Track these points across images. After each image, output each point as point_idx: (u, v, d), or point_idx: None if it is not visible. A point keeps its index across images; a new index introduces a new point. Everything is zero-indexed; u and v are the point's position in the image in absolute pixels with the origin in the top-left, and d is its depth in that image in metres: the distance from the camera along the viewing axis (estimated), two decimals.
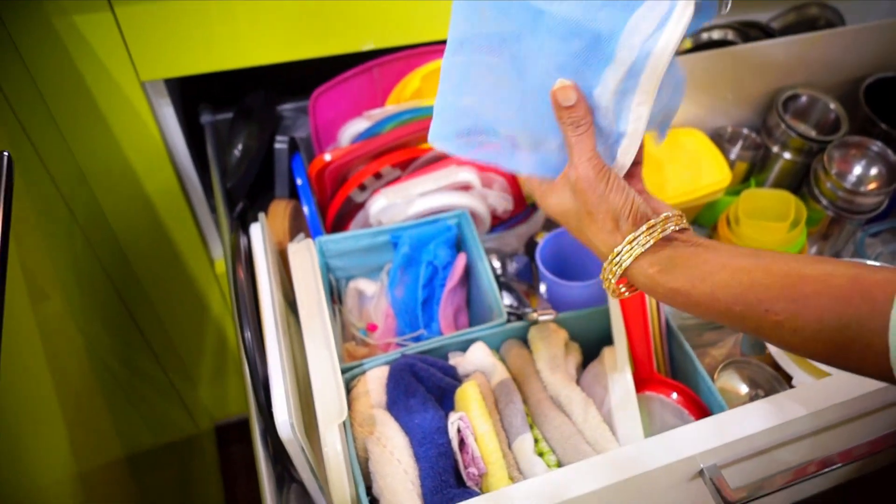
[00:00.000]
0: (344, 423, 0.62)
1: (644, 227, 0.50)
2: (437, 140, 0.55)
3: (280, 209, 0.88)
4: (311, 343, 0.64)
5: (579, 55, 0.49)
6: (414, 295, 0.80)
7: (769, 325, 0.44)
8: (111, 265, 0.94)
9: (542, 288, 0.83)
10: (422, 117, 0.86)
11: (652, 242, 0.50)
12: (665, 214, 0.51)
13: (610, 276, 0.52)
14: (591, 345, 0.78)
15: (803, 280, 0.43)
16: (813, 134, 1.00)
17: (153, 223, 0.97)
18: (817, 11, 1.15)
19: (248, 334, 0.63)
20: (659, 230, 0.50)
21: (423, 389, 0.68)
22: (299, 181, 0.87)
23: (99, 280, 0.91)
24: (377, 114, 0.89)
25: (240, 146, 0.85)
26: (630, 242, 0.50)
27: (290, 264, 0.71)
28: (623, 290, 0.54)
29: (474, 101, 0.53)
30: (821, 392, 0.58)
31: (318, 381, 0.60)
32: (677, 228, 0.51)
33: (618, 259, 0.51)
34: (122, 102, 0.81)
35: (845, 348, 0.41)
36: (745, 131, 1.03)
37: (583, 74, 0.49)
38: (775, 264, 0.45)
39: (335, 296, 0.84)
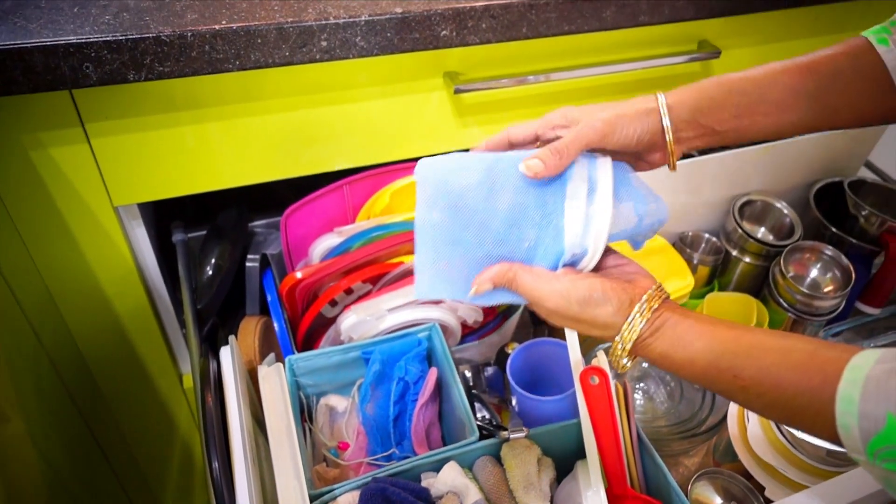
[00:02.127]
0: None
1: (636, 310, 0.54)
2: (423, 295, 0.58)
3: (250, 327, 0.88)
4: (281, 473, 0.63)
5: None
6: (385, 412, 0.80)
7: (737, 389, 0.50)
8: (76, 386, 0.92)
9: (514, 401, 0.83)
10: (392, 233, 0.88)
11: (644, 323, 0.54)
12: (648, 292, 0.55)
13: (620, 356, 0.56)
14: (565, 458, 0.78)
15: (767, 352, 0.49)
16: (770, 238, 1.04)
17: (121, 342, 0.96)
18: None
19: (216, 465, 0.62)
20: (647, 309, 0.54)
21: None
22: (270, 298, 0.87)
23: (62, 402, 0.89)
24: (348, 230, 0.91)
25: (211, 265, 0.86)
26: (628, 325, 0.54)
27: (261, 390, 0.70)
28: (625, 361, 0.57)
29: (448, 254, 0.56)
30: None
31: None
32: (661, 300, 0.55)
33: (621, 345, 0.55)
34: (93, 226, 0.82)
35: (800, 413, 0.47)
36: (706, 236, 1.07)
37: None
38: (745, 336, 0.51)
39: (305, 414, 0.83)
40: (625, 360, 0.56)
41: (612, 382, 0.73)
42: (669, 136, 0.58)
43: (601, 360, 0.75)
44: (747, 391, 0.50)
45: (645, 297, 0.54)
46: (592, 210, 0.54)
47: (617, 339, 0.55)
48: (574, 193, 0.54)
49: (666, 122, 0.57)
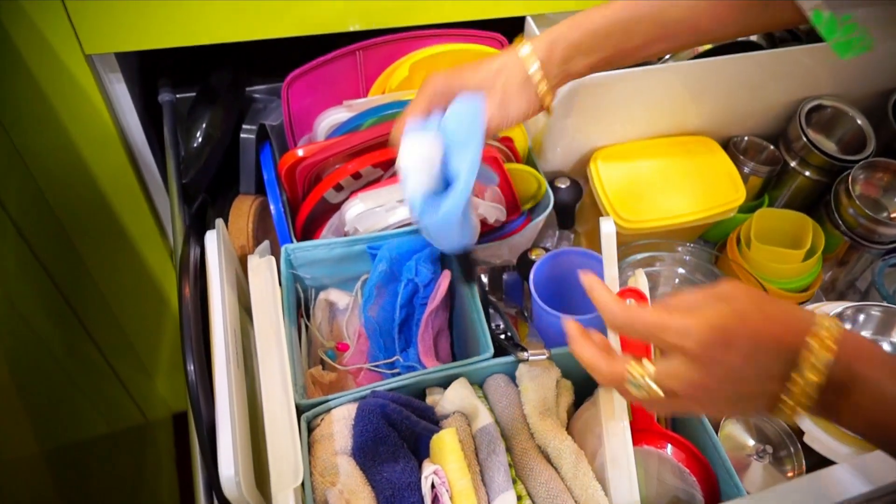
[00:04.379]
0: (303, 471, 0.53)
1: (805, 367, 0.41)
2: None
3: (244, 207, 0.78)
4: (267, 382, 0.55)
5: None
6: (391, 315, 0.71)
7: None
8: (51, 256, 0.83)
9: (534, 314, 0.75)
10: None
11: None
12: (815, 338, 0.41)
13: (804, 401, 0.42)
14: (585, 381, 0.70)
15: None
16: (835, 150, 0.91)
17: (104, 213, 0.87)
18: None
19: (191, 367, 0.54)
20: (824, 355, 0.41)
21: (395, 435, 0.60)
22: (267, 176, 0.77)
23: (34, 274, 0.80)
24: (359, 104, 0.79)
25: (200, 133, 0.75)
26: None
27: (250, 283, 0.62)
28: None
29: None
30: None
31: (273, 434, 0.52)
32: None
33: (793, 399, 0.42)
34: (63, 77, 0.70)
35: None
36: (763, 143, 0.94)
37: None
38: None
39: (302, 309, 0.75)
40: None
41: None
42: (542, 88, 0.61)
43: (640, 280, 0.66)
44: None
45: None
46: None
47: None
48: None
49: (542, 87, 0.61)
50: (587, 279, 0.48)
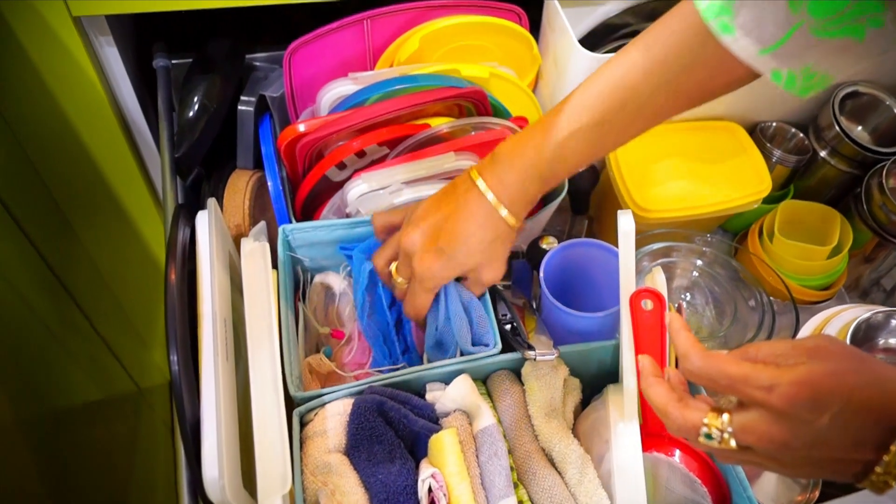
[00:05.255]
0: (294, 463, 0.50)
1: None
2: None
3: (241, 183, 0.74)
4: (257, 381, 0.52)
5: None
6: (384, 318, 0.68)
7: None
8: (38, 226, 0.80)
9: (542, 308, 0.71)
10: (418, 88, 0.72)
11: None
12: None
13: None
14: (593, 380, 0.67)
15: None
16: (869, 140, 0.86)
17: (96, 183, 0.83)
18: None
19: (174, 357, 0.51)
20: None
21: (392, 434, 0.57)
22: (265, 151, 0.73)
23: (18, 240, 0.77)
24: (365, 77, 0.74)
25: (196, 103, 0.70)
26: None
27: (242, 269, 0.58)
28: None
29: None
30: None
31: (261, 436, 0.48)
32: None
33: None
34: (50, 41, 0.66)
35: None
36: (792, 130, 0.89)
37: None
38: None
39: (300, 293, 0.72)
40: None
41: (668, 308, 0.60)
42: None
43: (657, 279, 0.62)
44: None
45: None
46: None
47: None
48: None
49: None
50: (675, 321, 0.48)
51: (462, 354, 0.62)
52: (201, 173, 0.72)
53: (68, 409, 0.88)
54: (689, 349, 0.45)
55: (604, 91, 0.54)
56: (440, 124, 0.73)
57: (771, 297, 0.76)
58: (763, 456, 0.41)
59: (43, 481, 0.74)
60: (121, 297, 1.05)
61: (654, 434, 0.61)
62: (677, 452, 0.60)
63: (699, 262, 0.82)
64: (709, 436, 0.42)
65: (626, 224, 0.59)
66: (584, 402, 0.67)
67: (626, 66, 0.53)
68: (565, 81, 0.79)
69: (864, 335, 0.65)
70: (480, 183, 0.58)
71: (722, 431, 0.41)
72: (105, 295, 1.02)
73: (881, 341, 0.67)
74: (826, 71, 0.47)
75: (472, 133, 0.75)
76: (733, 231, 0.91)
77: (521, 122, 0.77)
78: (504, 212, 0.59)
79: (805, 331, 0.70)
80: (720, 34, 0.47)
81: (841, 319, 0.68)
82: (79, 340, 0.96)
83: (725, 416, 0.42)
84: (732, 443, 0.41)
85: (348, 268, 0.72)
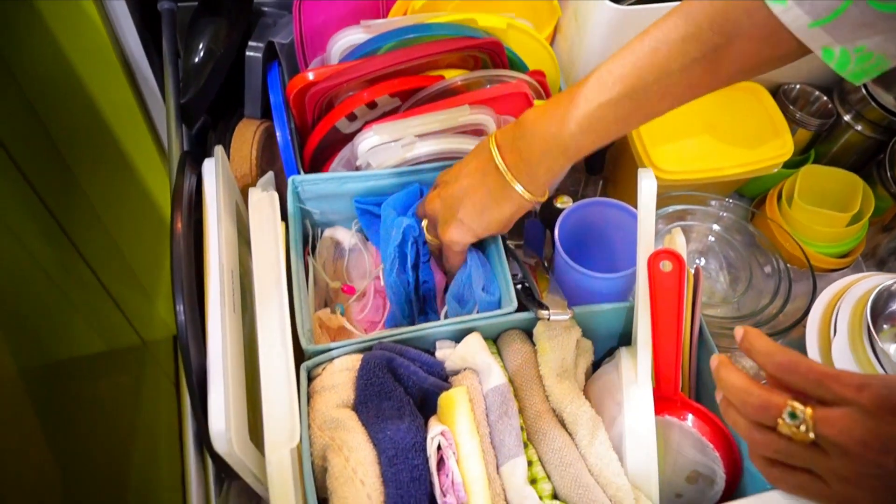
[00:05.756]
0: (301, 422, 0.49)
1: None
2: None
3: (248, 132, 0.72)
4: (265, 332, 0.50)
5: None
6: (405, 279, 0.66)
7: None
8: (39, 173, 0.78)
9: (555, 268, 0.69)
10: (433, 37, 0.69)
11: None
12: None
13: None
14: (605, 342, 0.66)
15: None
16: (895, 106, 0.83)
17: (98, 126, 0.80)
18: None
19: (180, 308, 0.49)
20: None
21: (401, 391, 0.56)
22: (273, 100, 0.70)
23: (20, 187, 0.75)
24: (378, 25, 0.72)
25: (202, 48, 0.68)
26: None
27: (250, 219, 0.56)
28: None
29: None
30: None
31: (269, 389, 0.47)
32: None
33: None
34: None
35: None
36: (816, 93, 0.86)
37: None
38: None
39: (309, 248, 0.70)
40: None
41: (687, 270, 0.59)
42: None
43: (676, 240, 0.60)
44: None
45: None
46: None
47: None
48: None
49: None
50: (749, 333, 0.46)
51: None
52: (207, 122, 0.70)
53: (71, 360, 0.87)
54: (773, 346, 0.44)
55: (638, 61, 0.51)
56: (454, 76, 0.71)
57: (788, 264, 0.74)
58: (832, 459, 0.40)
59: (46, 431, 0.74)
60: (124, 248, 1.04)
61: (667, 398, 0.60)
62: (690, 417, 0.59)
63: (715, 227, 0.80)
64: (793, 414, 0.41)
65: (647, 182, 0.57)
66: (595, 366, 0.66)
67: (662, 35, 0.50)
68: (586, 35, 0.76)
69: (886, 303, 0.64)
70: (499, 159, 0.57)
71: (803, 416, 0.40)
72: (109, 246, 1.01)
73: None
74: (883, 52, 0.44)
75: (488, 86, 0.72)
76: (749, 196, 0.89)
77: (539, 76, 0.75)
78: (519, 188, 0.57)
79: (823, 298, 0.68)
80: (770, 1, 0.44)
81: (860, 287, 0.67)
82: (82, 291, 0.95)
83: (808, 409, 0.41)
84: (811, 431, 0.40)
85: (359, 223, 0.70)
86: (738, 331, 0.47)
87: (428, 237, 0.65)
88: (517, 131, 0.57)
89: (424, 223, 0.64)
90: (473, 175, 0.59)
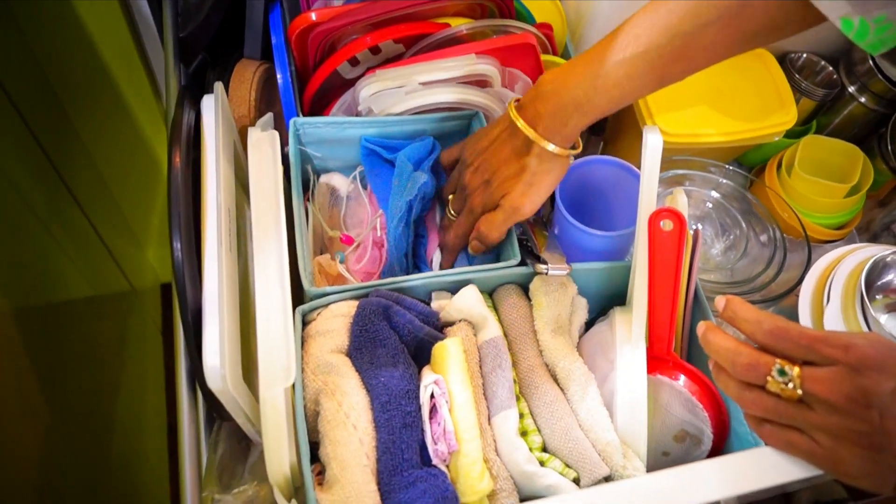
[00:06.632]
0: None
1: None
2: None
3: (247, 73, 0.70)
4: (262, 272, 0.50)
5: None
6: (407, 232, 0.65)
7: None
8: (32, 109, 0.76)
9: (555, 225, 0.69)
10: None
11: None
12: None
13: None
14: (600, 300, 0.66)
15: None
16: None
17: (94, 67, 0.78)
18: None
19: (177, 245, 0.49)
20: None
21: (396, 339, 0.55)
22: (275, 40, 0.69)
23: (13, 125, 0.73)
24: None
25: None
26: None
27: (249, 159, 0.55)
28: None
29: None
30: None
31: (265, 327, 0.47)
32: None
33: None
34: None
35: None
36: (822, 62, 0.85)
37: None
38: None
39: (309, 193, 0.69)
40: None
41: (688, 230, 0.58)
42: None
43: (678, 199, 0.60)
44: None
45: None
46: None
47: None
48: None
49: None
50: (732, 301, 0.47)
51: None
52: (206, 60, 0.68)
53: (62, 302, 0.86)
54: (761, 314, 0.44)
55: (656, 23, 0.51)
56: (460, 24, 0.69)
57: (784, 234, 0.74)
58: (819, 416, 0.41)
59: (37, 371, 0.73)
60: (117, 194, 1.02)
61: (659, 357, 0.61)
62: (682, 377, 0.59)
63: (714, 194, 0.80)
64: (782, 371, 0.42)
65: (653, 138, 0.56)
66: (588, 325, 0.66)
67: None
68: None
69: (880, 274, 0.64)
70: (531, 133, 0.57)
71: (791, 373, 0.42)
72: (101, 190, 0.99)
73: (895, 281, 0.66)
74: None
75: (494, 36, 0.71)
76: (749, 165, 0.89)
77: (546, 28, 0.73)
78: (551, 146, 0.57)
79: (818, 266, 0.69)
80: None
81: (855, 257, 0.67)
82: (74, 235, 0.94)
83: (796, 367, 0.42)
84: (798, 387, 0.41)
85: (360, 172, 0.69)
86: (720, 300, 0.48)
87: (449, 212, 0.65)
88: (536, 98, 0.57)
89: (450, 199, 0.65)
90: (510, 162, 0.59)
